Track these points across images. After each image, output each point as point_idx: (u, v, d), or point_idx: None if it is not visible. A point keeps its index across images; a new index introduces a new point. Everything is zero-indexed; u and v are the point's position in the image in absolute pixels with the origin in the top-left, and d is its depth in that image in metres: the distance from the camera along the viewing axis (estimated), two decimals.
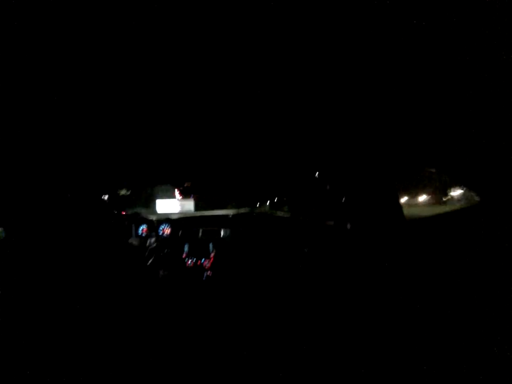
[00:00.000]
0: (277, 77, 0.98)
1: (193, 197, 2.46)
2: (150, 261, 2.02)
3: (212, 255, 1.95)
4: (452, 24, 0.68)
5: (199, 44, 0.81)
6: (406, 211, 1.50)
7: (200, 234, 2.06)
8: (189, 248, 2.01)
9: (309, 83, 1.00)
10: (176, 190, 2.49)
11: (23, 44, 0.78)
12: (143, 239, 2.17)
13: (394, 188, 1.56)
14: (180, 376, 1.32)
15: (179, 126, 1.39)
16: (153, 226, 2.21)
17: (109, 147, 1.57)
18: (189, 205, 2.39)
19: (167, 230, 2.18)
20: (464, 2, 0.62)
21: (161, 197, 2.49)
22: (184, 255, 2.00)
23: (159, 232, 2.18)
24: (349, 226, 1.81)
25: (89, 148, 1.54)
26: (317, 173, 1.75)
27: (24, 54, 0.82)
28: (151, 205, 2.52)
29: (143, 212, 2.39)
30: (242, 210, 2.28)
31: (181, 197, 2.48)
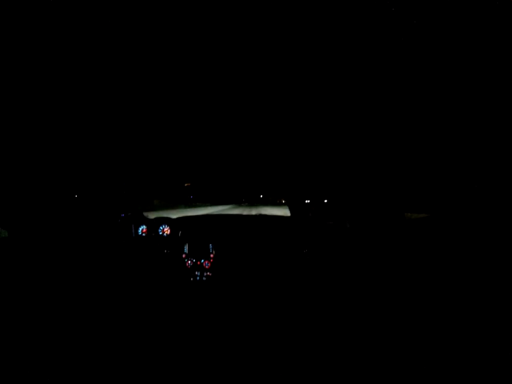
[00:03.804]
0: (276, 76, 0.97)
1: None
2: (150, 261, 2.02)
3: (212, 255, 1.95)
4: (452, 24, 0.68)
5: (199, 43, 0.81)
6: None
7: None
8: (189, 248, 2.01)
9: (309, 82, 1.00)
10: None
11: (24, 44, 0.78)
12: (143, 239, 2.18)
13: (394, 188, 1.56)
14: (180, 376, 1.33)
15: (178, 126, 1.39)
16: (153, 226, 2.20)
17: (108, 147, 1.57)
18: None
19: (167, 230, 2.17)
20: (464, 2, 0.62)
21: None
22: (183, 256, 2.00)
23: (159, 232, 2.18)
24: (348, 225, 1.81)
25: (89, 148, 1.54)
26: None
27: (25, 55, 0.81)
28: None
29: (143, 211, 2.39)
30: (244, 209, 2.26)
31: None
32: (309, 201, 2.05)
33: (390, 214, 1.63)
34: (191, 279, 1.95)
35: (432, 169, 1.42)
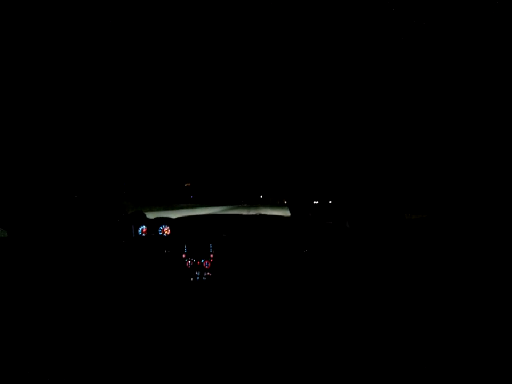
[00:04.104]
0: (275, 77, 0.98)
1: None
2: (150, 261, 2.02)
3: (212, 255, 1.95)
4: (452, 24, 0.68)
5: (198, 44, 0.81)
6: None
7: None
8: (189, 248, 2.01)
9: (310, 82, 1.00)
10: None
11: (24, 44, 0.78)
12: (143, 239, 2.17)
13: (394, 189, 1.56)
14: (180, 376, 1.32)
15: (178, 126, 1.39)
16: (153, 226, 2.20)
17: (108, 148, 1.57)
18: None
19: (167, 230, 2.17)
20: (464, 2, 0.62)
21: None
22: (183, 255, 2.00)
23: (159, 232, 2.18)
24: (348, 225, 1.81)
25: (89, 149, 1.54)
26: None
27: (25, 54, 0.82)
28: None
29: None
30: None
31: None
32: (317, 202, 2.04)
33: (390, 214, 1.64)
34: (191, 279, 1.95)
35: (432, 170, 1.42)
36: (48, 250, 1.74)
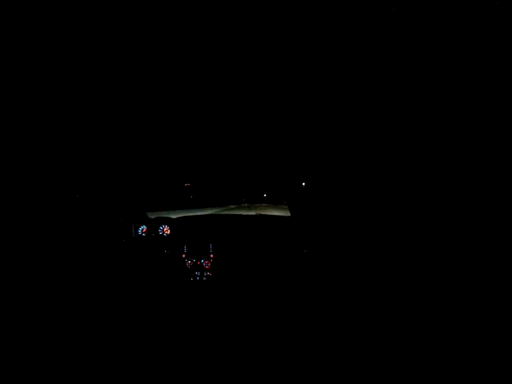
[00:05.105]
0: (277, 76, 0.98)
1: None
2: (150, 261, 2.02)
3: (212, 255, 1.95)
4: (452, 24, 0.68)
5: (199, 44, 0.82)
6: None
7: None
8: (189, 248, 2.01)
9: (311, 82, 1.01)
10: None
11: (24, 44, 0.78)
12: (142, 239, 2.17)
13: (393, 189, 1.56)
14: (180, 376, 1.32)
15: (178, 126, 1.40)
16: (153, 226, 2.20)
17: (109, 148, 1.57)
18: None
19: (167, 230, 2.17)
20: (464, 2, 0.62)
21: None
22: (183, 255, 2.00)
23: (159, 232, 2.18)
24: (347, 225, 1.81)
25: (90, 149, 1.54)
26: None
27: (25, 55, 0.82)
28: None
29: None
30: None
31: None
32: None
33: (388, 214, 1.64)
34: (191, 279, 1.95)
35: (429, 169, 1.42)
36: (48, 250, 1.73)
